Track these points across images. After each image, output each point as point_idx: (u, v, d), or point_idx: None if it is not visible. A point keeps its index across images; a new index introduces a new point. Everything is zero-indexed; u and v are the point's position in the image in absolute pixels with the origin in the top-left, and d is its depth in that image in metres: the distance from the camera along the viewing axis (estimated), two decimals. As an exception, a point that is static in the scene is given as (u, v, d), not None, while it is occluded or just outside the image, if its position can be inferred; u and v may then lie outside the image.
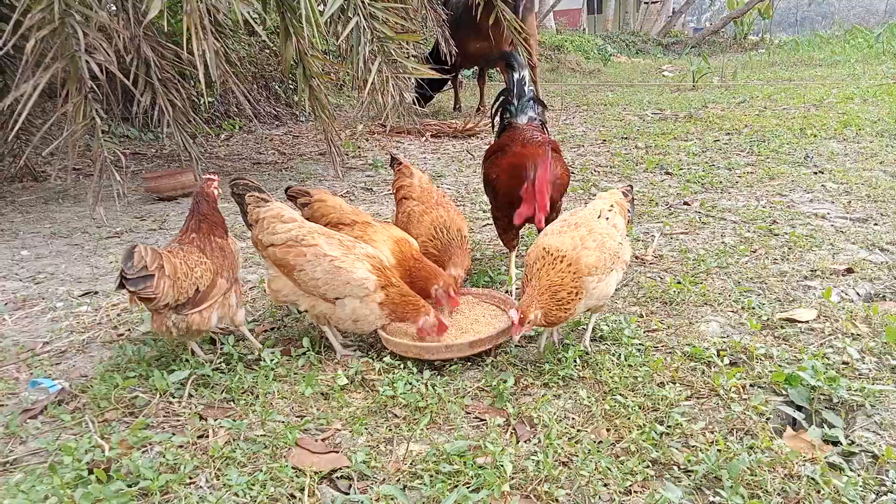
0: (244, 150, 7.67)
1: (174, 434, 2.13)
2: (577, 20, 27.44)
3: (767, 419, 2.12)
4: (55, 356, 2.81)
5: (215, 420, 2.20)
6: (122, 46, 4.16)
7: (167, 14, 3.82)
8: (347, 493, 1.85)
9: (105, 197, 4.48)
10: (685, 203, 4.76)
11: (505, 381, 2.33)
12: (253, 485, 1.85)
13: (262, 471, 1.91)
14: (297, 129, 8.99)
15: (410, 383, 2.39)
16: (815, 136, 6.87)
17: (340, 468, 1.94)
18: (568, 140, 7.49)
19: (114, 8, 4.56)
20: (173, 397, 2.37)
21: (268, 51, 9.44)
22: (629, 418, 2.12)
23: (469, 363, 2.60)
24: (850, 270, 3.33)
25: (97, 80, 4.01)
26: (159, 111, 4.64)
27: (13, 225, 4.87)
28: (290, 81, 9.31)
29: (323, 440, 2.10)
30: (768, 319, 2.83)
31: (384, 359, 2.56)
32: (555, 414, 2.17)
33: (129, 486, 1.84)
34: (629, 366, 2.45)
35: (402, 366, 2.53)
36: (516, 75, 3.48)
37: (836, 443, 2.00)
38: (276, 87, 9.56)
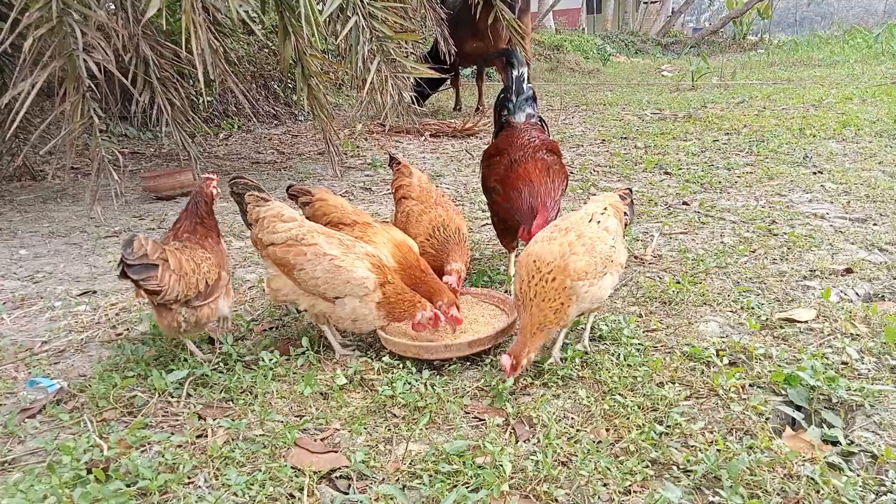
0: (243, 149, 7.66)
1: (173, 434, 2.12)
2: (577, 20, 27.43)
3: (767, 419, 2.12)
4: (53, 355, 2.80)
5: (214, 420, 2.19)
6: (121, 45, 4.15)
7: (166, 13, 3.82)
8: (346, 493, 1.85)
9: (103, 196, 4.47)
10: (684, 203, 4.76)
11: (504, 381, 2.32)
12: (252, 484, 1.85)
13: (261, 470, 1.90)
14: (295, 128, 8.98)
15: (409, 383, 2.39)
16: (814, 136, 6.88)
17: (339, 468, 1.94)
18: (567, 140, 7.49)
19: (112, 7, 4.54)
20: (172, 397, 2.36)
21: (267, 50, 9.43)
22: (628, 418, 2.12)
23: (468, 363, 2.60)
24: (849, 270, 3.33)
25: (95, 79, 4.01)
26: (158, 110, 4.63)
27: (11, 224, 4.86)
28: (288, 81, 9.30)
29: (322, 440, 2.10)
30: (767, 319, 2.83)
31: (383, 358, 2.56)
32: (554, 414, 2.17)
33: (128, 485, 1.84)
34: (628, 366, 2.45)
35: (401, 365, 2.53)
36: (515, 72, 3.47)
37: (835, 443, 2.00)
38: (275, 86, 9.55)
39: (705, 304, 3.02)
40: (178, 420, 2.24)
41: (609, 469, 1.88)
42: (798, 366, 2.32)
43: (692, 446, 1.99)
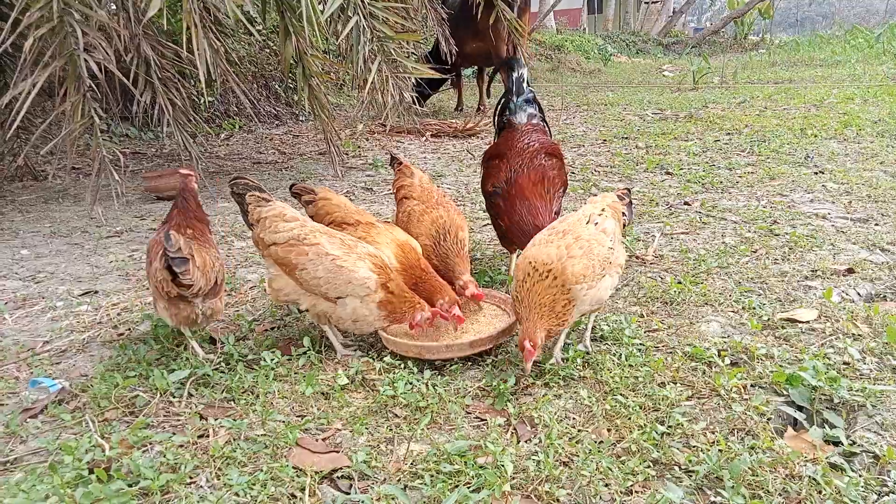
0: (244, 149, 7.66)
1: (174, 434, 2.12)
2: (578, 20, 27.41)
3: (768, 419, 2.12)
4: (55, 355, 2.80)
5: (216, 420, 2.19)
6: (122, 46, 4.15)
7: (167, 13, 3.82)
8: (348, 493, 1.85)
9: (104, 196, 4.48)
10: (685, 203, 4.76)
11: (505, 381, 2.32)
12: (253, 484, 1.85)
13: (262, 470, 1.90)
14: (297, 128, 8.99)
15: (411, 383, 2.38)
16: (815, 136, 6.87)
17: (341, 468, 1.94)
18: (568, 140, 7.49)
19: (113, 7, 4.54)
20: (173, 397, 2.36)
21: (268, 50, 9.44)
22: (630, 418, 2.11)
23: (470, 363, 2.60)
24: (850, 271, 3.33)
25: (96, 79, 4.01)
26: (159, 110, 4.63)
27: (13, 224, 4.86)
28: (289, 81, 9.31)
29: (323, 440, 2.10)
30: (769, 319, 2.83)
31: (385, 358, 2.56)
32: (555, 414, 2.17)
33: (130, 485, 1.84)
34: (630, 366, 2.44)
35: (402, 365, 2.53)
36: (515, 74, 3.50)
37: (837, 443, 2.00)
38: (276, 86, 9.56)
39: (707, 304, 3.02)
40: (179, 420, 2.24)
41: (611, 469, 1.88)
42: (800, 366, 2.32)
43: (694, 446, 1.99)
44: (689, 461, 1.92)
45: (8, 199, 5.55)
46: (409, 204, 3.27)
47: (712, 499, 1.80)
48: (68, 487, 1.82)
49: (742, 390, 2.28)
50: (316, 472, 1.90)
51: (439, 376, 2.46)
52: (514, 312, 2.43)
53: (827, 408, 2.19)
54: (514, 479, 1.86)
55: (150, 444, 2.08)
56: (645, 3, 28.33)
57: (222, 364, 2.57)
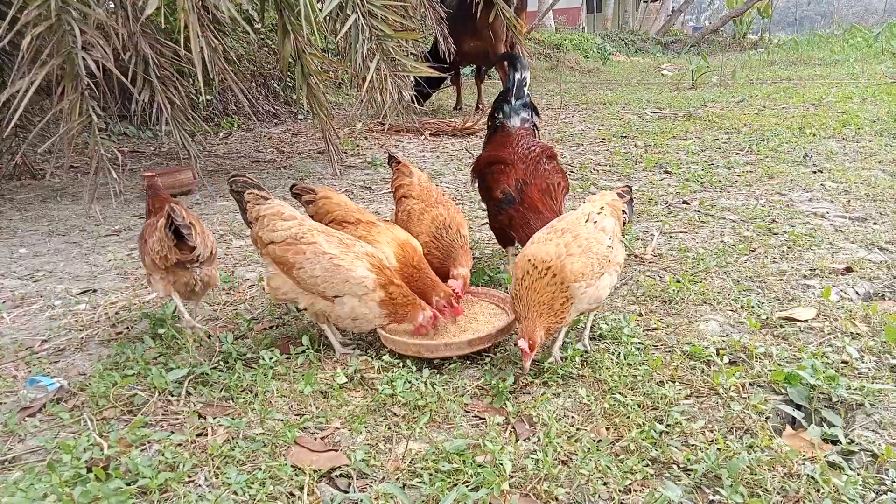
0: (243, 148, 7.65)
1: (173, 432, 2.12)
2: (577, 19, 27.39)
3: (767, 418, 2.12)
4: (53, 354, 2.80)
5: (214, 418, 2.19)
6: (121, 44, 4.14)
7: (165, 11, 3.81)
8: (347, 492, 1.85)
9: (102, 195, 4.47)
10: (684, 202, 4.76)
11: (504, 380, 2.32)
12: (252, 483, 1.85)
13: (261, 469, 1.90)
14: (295, 127, 8.98)
15: (410, 382, 2.38)
16: (814, 135, 6.88)
17: (340, 466, 1.94)
18: (567, 139, 7.48)
19: (111, 5, 4.53)
20: (172, 395, 2.36)
21: (266, 48, 9.42)
22: (629, 417, 2.11)
23: (468, 361, 2.60)
24: (849, 269, 3.33)
25: (94, 78, 4.00)
26: (157, 109, 4.63)
27: (11, 223, 4.86)
28: (288, 79, 9.30)
29: (322, 438, 2.10)
30: (767, 318, 2.83)
31: (383, 357, 2.56)
32: (554, 412, 2.17)
33: (128, 484, 1.83)
34: (628, 364, 2.45)
35: (401, 364, 2.53)
36: (517, 75, 3.46)
37: (835, 442, 2.00)
38: (275, 84, 9.55)
39: (705, 302, 3.02)
40: (178, 419, 2.23)
41: (609, 468, 1.88)
42: (798, 365, 2.32)
43: (692, 445, 1.99)
44: (688, 460, 1.92)
45: (6, 198, 5.54)
46: (409, 203, 3.26)
47: (711, 497, 1.80)
48: (67, 486, 1.82)
49: (740, 389, 2.28)
50: (314, 471, 1.90)
51: (438, 375, 2.46)
52: (513, 311, 2.43)
53: (825, 406, 2.19)
54: (512, 477, 1.86)
55: (149, 442, 2.08)
56: (644, 2, 28.32)
57: (221, 363, 2.56)
